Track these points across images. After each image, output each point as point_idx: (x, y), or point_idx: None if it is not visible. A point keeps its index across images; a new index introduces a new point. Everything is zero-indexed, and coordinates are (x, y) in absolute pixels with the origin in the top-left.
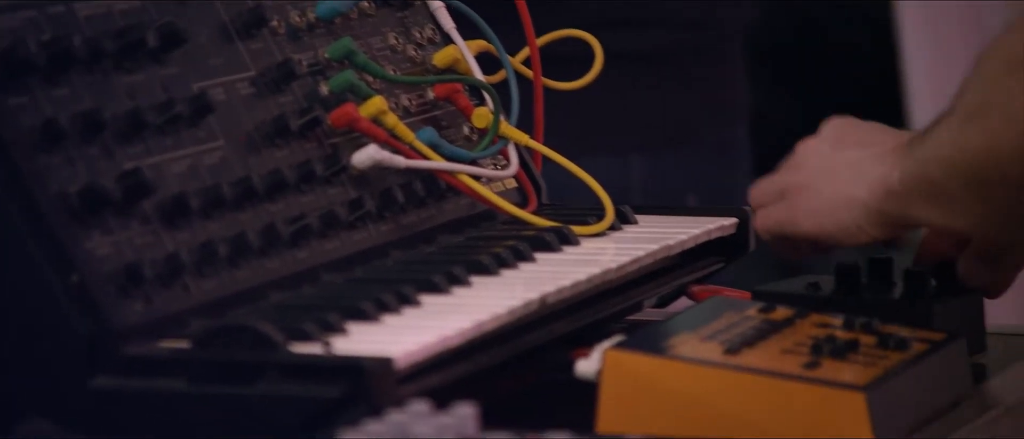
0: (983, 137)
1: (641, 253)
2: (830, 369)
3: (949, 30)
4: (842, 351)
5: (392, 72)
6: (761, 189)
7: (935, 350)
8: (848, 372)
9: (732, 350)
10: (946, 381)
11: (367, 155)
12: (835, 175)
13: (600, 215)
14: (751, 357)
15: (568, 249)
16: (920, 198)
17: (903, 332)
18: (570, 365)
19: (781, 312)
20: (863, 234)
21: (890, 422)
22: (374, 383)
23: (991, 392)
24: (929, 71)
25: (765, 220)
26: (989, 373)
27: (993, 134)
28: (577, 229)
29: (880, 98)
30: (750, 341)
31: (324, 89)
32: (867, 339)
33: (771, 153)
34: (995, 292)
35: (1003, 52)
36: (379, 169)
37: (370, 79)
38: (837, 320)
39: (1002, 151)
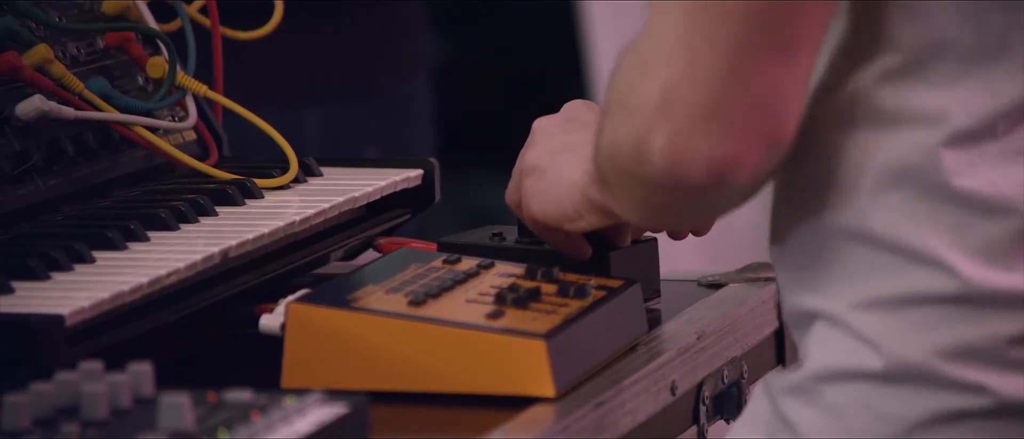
0: (613, 132)
1: (326, 206)
2: (512, 318)
3: None
4: (524, 300)
5: (58, 19)
6: (516, 168)
7: (612, 296)
8: (530, 320)
9: (417, 301)
10: (623, 326)
11: (32, 105)
12: (559, 157)
13: (284, 168)
14: (436, 308)
15: (251, 202)
16: (602, 186)
17: (582, 280)
18: (254, 320)
19: (466, 263)
20: (582, 221)
21: (570, 367)
22: (42, 342)
23: (665, 335)
24: (609, 20)
25: (508, 199)
26: (663, 317)
27: (618, 130)
28: (260, 182)
29: (562, 49)
30: (435, 292)
31: None
32: (548, 287)
33: (454, 105)
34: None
35: (632, 50)
36: (46, 120)
37: (34, 25)
38: (519, 269)
39: (624, 146)
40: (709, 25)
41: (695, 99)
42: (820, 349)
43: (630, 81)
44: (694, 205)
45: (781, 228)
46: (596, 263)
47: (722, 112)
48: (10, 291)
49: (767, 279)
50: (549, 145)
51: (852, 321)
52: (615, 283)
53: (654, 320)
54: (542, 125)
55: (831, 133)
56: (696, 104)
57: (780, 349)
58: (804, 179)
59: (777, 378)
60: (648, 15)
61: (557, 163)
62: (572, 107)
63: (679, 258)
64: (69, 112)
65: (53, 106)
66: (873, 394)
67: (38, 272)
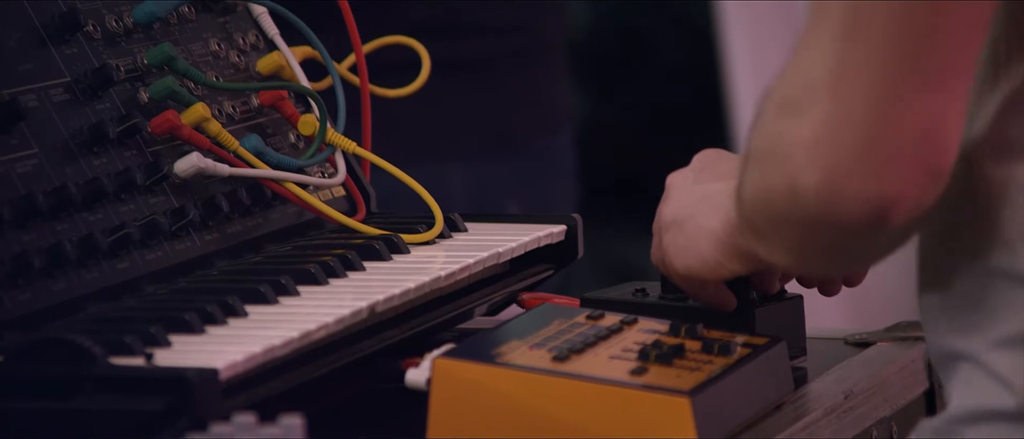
0: (762, 179)
1: (471, 261)
2: (656, 375)
3: (770, 34)
4: (668, 357)
5: (214, 78)
6: (654, 225)
7: (757, 354)
8: (674, 377)
9: (561, 357)
10: (768, 384)
11: (190, 163)
12: (696, 209)
13: (429, 223)
14: (579, 364)
15: (398, 257)
16: (750, 233)
17: (727, 337)
18: (400, 374)
19: (609, 319)
20: (723, 269)
21: (714, 425)
22: (198, 395)
23: (811, 395)
24: (751, 74)
25: (654, 259)
26: (809, 376)
27: (767, 176)
28: (407, 237)
29: (704, 104)
30: (578, 348)
31: (144, 96)
32: (692, 344)
33: (597, 160)
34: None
35: (775, 95)
36: (202, 177)
37: (192, 85)
38: (663, 326)
39: (775, 192)
40: (860, 60)
41: (850, 137)
42: (960, 391)
43: (777, 128)
44: (853, 246)
45: (931, 270)
46: (741, 320)
47: (879, 148)
48: (168, 344)
49: (916, 338)
50: (685, 199)
51: (990, 361)
52: (760, 341)
53: (800, 379)
54: (675, 180)
55: (989, 170)
56: (851, 142)
57: (931, 410)
58: (957, 218)
59: (922, 425)
60: (790, 57)
61: (696, 215)
62: (703, 157)
63: (826, 316)
64: (224, 169)
65: (209, 163)
66: (1009, 434)
67: (194, 326)
